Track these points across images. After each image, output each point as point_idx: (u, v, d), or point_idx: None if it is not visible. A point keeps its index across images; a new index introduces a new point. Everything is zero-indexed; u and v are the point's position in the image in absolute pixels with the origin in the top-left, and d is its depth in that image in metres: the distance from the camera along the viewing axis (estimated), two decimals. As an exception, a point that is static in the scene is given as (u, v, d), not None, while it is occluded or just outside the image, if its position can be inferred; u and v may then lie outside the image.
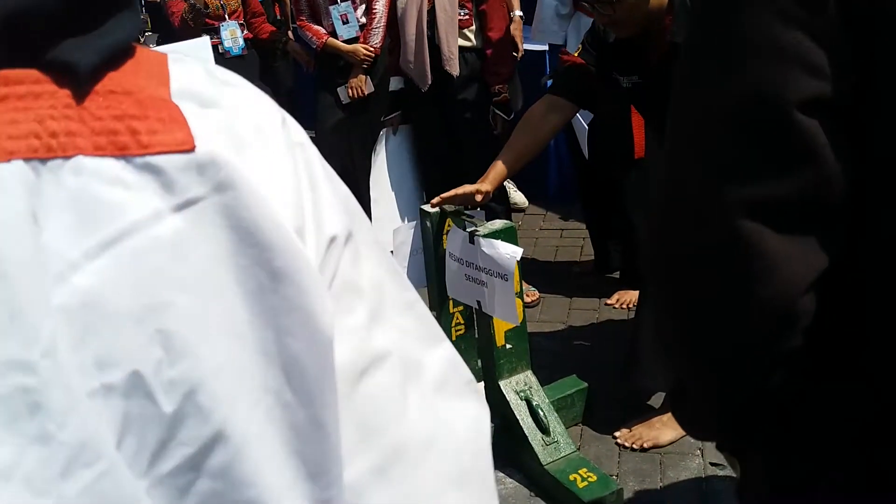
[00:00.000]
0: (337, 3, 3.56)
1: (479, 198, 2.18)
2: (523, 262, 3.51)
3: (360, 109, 3.60)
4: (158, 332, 0.36)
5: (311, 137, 0.46)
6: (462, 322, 2.50)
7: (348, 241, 0.45)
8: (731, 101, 0.63)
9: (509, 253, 2.01)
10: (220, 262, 0.37)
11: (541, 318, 3.11)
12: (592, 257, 3.37)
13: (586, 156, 3.05)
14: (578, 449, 2.23)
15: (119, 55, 0.39)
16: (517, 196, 4.13)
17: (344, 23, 3.58)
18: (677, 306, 0.70)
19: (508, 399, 2.19)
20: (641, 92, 2.13)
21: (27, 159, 0.35)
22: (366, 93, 3.56)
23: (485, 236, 2.08)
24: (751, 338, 0.65)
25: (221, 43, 3.73)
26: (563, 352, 2.82)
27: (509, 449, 2.21)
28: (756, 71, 0.61)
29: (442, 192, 2.26)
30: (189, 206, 0.37)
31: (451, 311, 2.46)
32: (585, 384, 2.39)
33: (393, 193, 3.40)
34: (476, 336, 2.39)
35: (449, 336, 2.45)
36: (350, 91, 3.57)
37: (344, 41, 3.57)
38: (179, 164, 0.37)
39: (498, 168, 2.21)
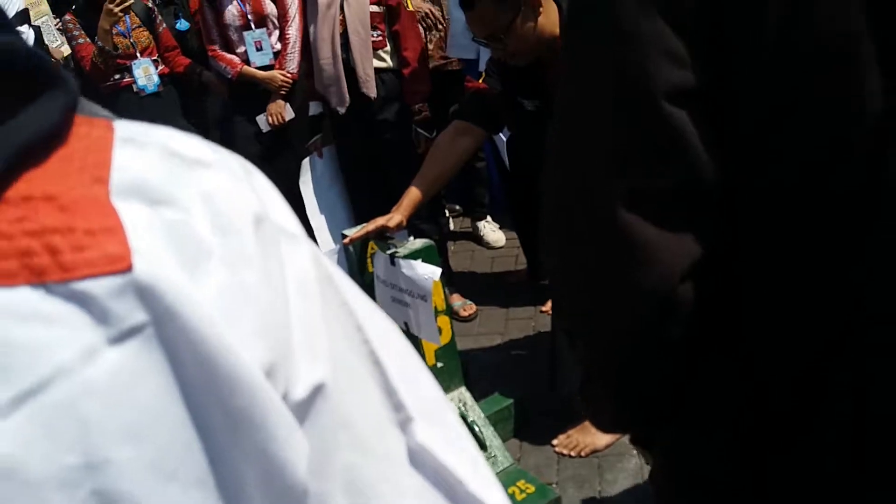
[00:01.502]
0: (251, 29, 3.52)
1: (392, 229, 2.19)
2: (461, 277, 3.57)
3: (280, 137, 3.56)
4: (95, 494, 0.29)
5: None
6: (395, 344, 2.49)
7: (329, 393, 0.36)
8: (602, 93, 0.65)
9: (427, 274, 2.01)
10: (168, 403, 0.30)
11: (478, 330, 3.12)
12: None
13: (508, 167, 3.09)
14: (518, 460, 2.24)
15: (39, 149, 0.31)
16: (494, 235, 3.91)
17: (258, 49, 3.52)
18: (571, 291, 0.72)
19: (443, 418, 2.18)
20: (544, 114, 2.17)
21: None
22: (286, 119, 3.52)
23: (405, 257, 2.08)
24: (634, 324, 0.66)
25: (135, 82, 3.60)
26: (501, 363, 2.84)
27: (448, 468, 2.21)
28: (623, 62, 0.63)
29: (371, 214, 2.26)
30: (127, 339, 0.29)
31: (383, 333, 2.46)
32: (511, 399, 2.40)
33: (324, 218, 3.40)
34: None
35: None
36: (270, 118, 3.53)
37: (257, 69, 3.53)
38: (113, 289, 0.29)
39: (411, 195, 2.21)
